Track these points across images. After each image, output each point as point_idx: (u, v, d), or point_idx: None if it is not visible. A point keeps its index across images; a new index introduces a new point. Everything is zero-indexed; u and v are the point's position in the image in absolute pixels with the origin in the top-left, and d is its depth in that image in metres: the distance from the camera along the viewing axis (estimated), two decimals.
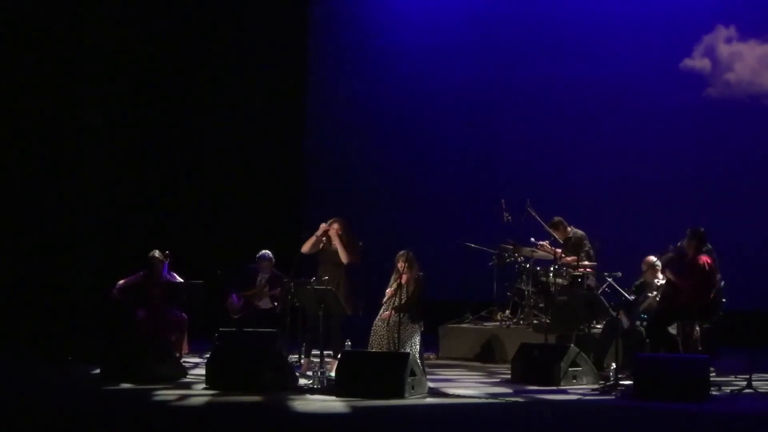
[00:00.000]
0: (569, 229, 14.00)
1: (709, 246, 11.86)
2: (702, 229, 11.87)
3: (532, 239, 14.06)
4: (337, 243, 12.23)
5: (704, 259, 11.73)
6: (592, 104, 16.54)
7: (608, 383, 11.13)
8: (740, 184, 15.81)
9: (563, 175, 16.49)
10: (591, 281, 13.61)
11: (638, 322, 12.11)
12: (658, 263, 12.26)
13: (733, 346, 13.18)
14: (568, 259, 13.77)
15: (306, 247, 12.38)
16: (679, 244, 11.98)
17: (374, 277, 12.51)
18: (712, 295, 11.84)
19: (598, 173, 16.33)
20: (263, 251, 13.37)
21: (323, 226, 12.35)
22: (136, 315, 13.78)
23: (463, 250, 14.83)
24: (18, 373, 12.38)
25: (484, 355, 13.87)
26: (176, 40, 16.79)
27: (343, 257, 12.20)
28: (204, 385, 11.11)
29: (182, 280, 13.48)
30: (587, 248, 13.76)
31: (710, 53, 16.12)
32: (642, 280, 12.44)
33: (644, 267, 12.46)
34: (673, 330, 11.88)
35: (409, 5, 17.74)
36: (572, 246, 13.83)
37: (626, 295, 12.07)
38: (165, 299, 13.33)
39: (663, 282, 12.12)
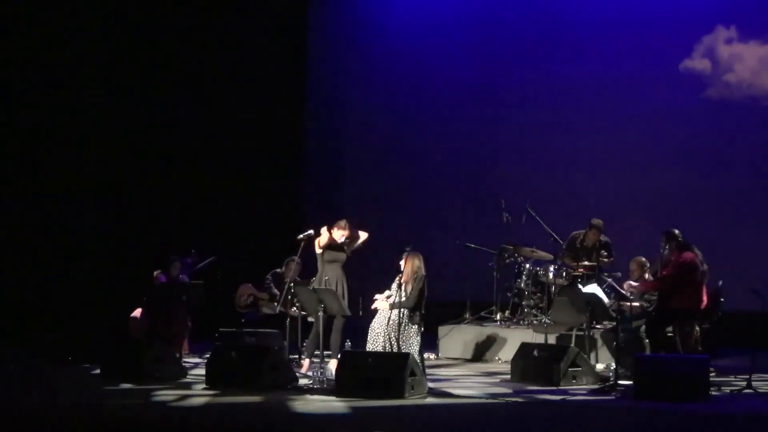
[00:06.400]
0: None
1: (689, 242, 11.93)
2: (676, 231, 11.96)
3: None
4: (354, 237, 12.40)
5: (687, 255, 11.79)
6: (592, 105, 16.53)
7: (608, 383, 11.14)
8: (740, 185, 15.79)
9: (563, 176, 16.48)
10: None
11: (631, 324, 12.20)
12: (647, 264, 12.40)
13: (733, 346, 13.22)
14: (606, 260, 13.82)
15: (319, 247, 12.44)
16: (662, 251, 12.07)
17: (374, 277, 12.51)
18: (704, 295, 11.89)
19: (598, 174, 16.33)
20: (292, 256, 13.21)
21: (324, 230, 12.41)
22: (136, 315, 13.82)
23: (463, 250, 14.85)
24: (18, 373, 12.37)
25: (484, 355, 13.88)
26: (176, 40, 16.78)
27: (363, 238, 12.45)
28: (204, 385, 11.12)
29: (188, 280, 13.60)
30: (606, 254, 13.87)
31: (710, 54, 16.12)
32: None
33: (633, 267, 12.52)
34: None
35: (409, 5, 17.75)
36: (600, 249, 13.87)
37: (626, 295, 12.10)
38: (166, 299, 13.36)
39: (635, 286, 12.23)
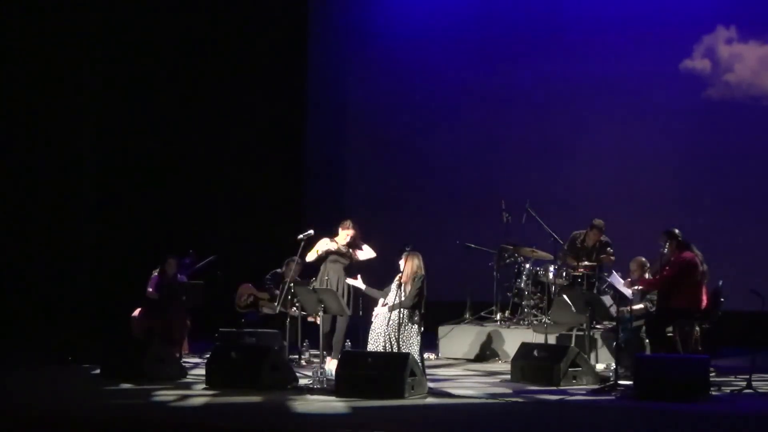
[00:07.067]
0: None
1: (689, 242, 11.93)
2: (676, 230, 12.00)
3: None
4: (359, 250, 12.38)
5: (686, 255, 11.79)
6: (592, 105, 16.53)
7: (608, 383, 11.14)
8: (740, 185, 15.79)
9: (563, 176, 16.47)
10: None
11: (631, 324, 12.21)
12: (647, 264, 12.41)
13: (733, 346, 13.21)
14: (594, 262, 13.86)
15: (311, 258, 12.41)
16: (662, 250, 12.07)
17: (374, 277, 12.52)
18: (704, 295, 11.89)
19: (598, 173, 16.33)
20: (292, 256, 13.22)
21: (326, 240, 12.39)
22: (136, 315, 13.81)
23: (463, 250, 14.85)
24: (18, 373, 12.37)
25: (484, 355, 13.89)
26: (176, 41, 16.78)
27: (368, 255, 12.41)
28: (204, 385, 11.11)
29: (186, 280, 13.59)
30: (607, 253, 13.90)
31: (710, 54, 16.12)
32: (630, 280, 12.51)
33: (633, 267, 12.53)
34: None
35: (408, 5, 17.75)
36: (599, 249, 13.88)
37: (627, 295, 12.11)
38: (165, 299, 13.36)
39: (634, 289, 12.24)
